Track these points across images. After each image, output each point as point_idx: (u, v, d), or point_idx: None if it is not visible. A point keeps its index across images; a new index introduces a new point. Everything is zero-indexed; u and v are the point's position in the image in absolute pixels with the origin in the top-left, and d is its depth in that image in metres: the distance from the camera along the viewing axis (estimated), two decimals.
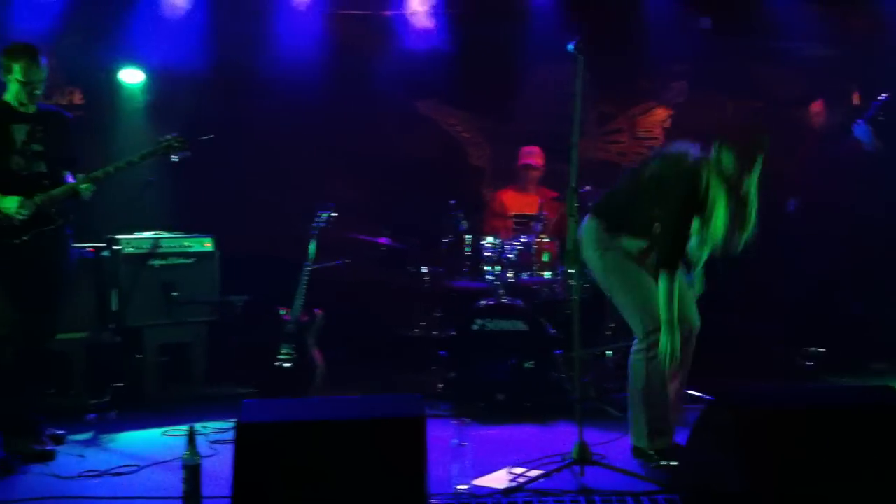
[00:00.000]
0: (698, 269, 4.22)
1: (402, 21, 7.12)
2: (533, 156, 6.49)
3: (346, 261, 6.29)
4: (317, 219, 5.95)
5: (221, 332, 6.20)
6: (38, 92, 4.55)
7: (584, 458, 3.92)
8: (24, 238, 4.50)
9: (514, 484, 3.87)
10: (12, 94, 4.55)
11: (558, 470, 3.96)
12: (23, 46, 4.54)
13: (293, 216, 6.24)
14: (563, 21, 6.77)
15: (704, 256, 4.12)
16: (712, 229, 4.02)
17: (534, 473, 4.00)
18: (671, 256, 4.04)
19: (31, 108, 4.59)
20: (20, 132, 4.55)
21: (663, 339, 4.04)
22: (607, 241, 4.25)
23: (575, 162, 4.04)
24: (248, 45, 6.86)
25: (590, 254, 4.28)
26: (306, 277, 5.83)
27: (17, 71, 4.47)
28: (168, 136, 4.85)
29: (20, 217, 4.46)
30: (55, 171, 4.64)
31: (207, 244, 6.14)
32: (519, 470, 4.09)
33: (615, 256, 4.24)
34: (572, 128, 4.03)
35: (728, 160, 3.97)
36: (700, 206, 4.02)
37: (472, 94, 7.18)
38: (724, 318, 6.33)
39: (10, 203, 4.45)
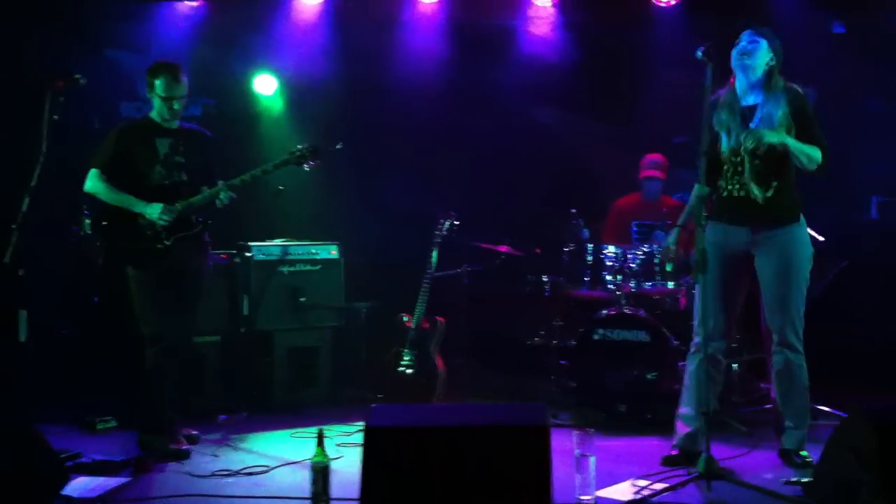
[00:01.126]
0: None
1: (524, 29, 7.12)
2: (653, 166, 6.40)
3: (467, 268, 6.35)
4: (438, 227, 6.03)
5: (346, 338, 6.35)
6: (177, 107, 4.77)
7: (712, 472, 3.84)
8: (167, 243, 4.73)
9: (638, 497, 3.83)
10: (155, 110, 4.82)
11: (684, 484, 3.90)
12: (164, 65, 4.79)
13: (416, 224, 6.33)
14: (688, 26, 6.65)
15: None
16: None
17: (658, 486, 3.95)
18: None
19: (174, 125, 4.85)
20: (163, 145, 4.80)
21: None
22: None
23: (703, 170, 3.98)
24: (375, 54, 7.00)
25: (809, 254, 4.35)
26: (428, 285, 5.91)
27: (158, 87, 4.73)
28: (300, 147, 4.99)
29: (162, 223, 4.69)
30: (195, 183, 4.86)
31: (333, 251, 6.31)
32: (643, 482, 4.05)
33: None
34: (701, 135, 3.97)
35: None
36: None
37: (594, 101, 7.12)
38: (855, 328, 6.16)
39: (154, 210, 4.69)
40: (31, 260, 4.26)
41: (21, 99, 5.39)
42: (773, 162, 4.24)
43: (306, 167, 5.00)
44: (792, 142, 4.18)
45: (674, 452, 4.43)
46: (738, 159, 4.30)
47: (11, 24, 6.20)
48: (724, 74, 4.32)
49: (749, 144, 4.15)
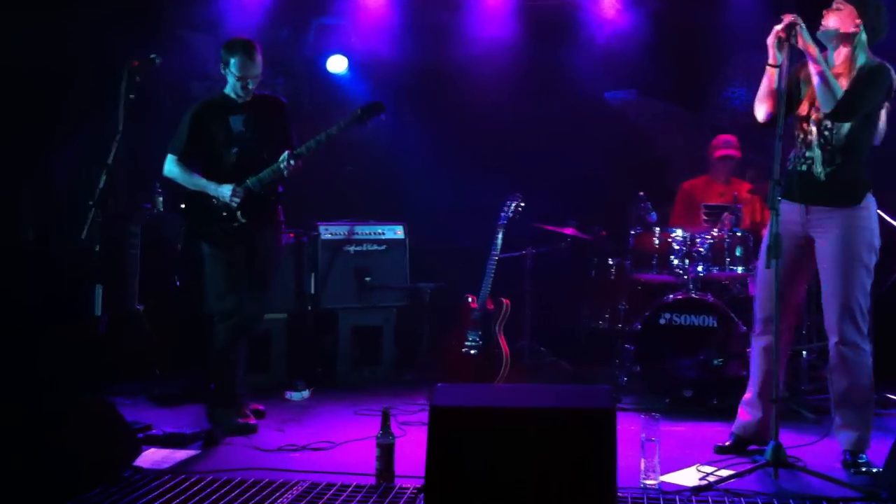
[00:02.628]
0: None
1: (592, 9, 7.05)
2: (728, 146, 6.28)
3: (532, 251, 6.33)
4: (504, 208, 6.01)
5: (410, 318, 6.39)
6: (251, 86, 4.80)
7: (779, 460, 3.78)
8: (242, 221, 4.79)
9: (704, 482, 3.79)
10: (229, 86, 4.82)
11: (751, 471, 3.85)
12: (240, 42, 4.77)
13: (481, 205, 6.32)
14: (764, 4, 6.50)
15: None
16: None
17: (724, 473, 3.90)
18: None
19: (247, 98, 4.84)
20: (237, 123, 4.83)
21: None
22: None
23: (778, 153, 3.90)
24: (443, 35, 7.00)
25: (872, 240, 4.10)
26: (493, 266, 5.90)
27: (233, 65, 4.72)
28: (362, 105, 4.93)
29: (234, 203, 4.76)
30: (271, 156, 4.81)
31: (399, 232, 6.36)
32: (708, 469, 4.00)
33: None
34: (776, 118, 3.89)
35: None
36: None
37: (663, 82, 7.02)
38: None
39: (225, 191, 4.76)
40: (106, 236, 4.36)
41: (99, 79, 5.52)
42: (845, 137, 4.06)
43: (369, 124, 4.94)
44: (826, 68, 3.98)
45: (727, 442, 4.37)
46: (808, 128, 4.14)
47: (88, 5, 6.33)
48: (799, 55, 4.18)
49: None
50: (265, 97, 4.97)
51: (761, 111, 4.24)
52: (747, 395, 4.40)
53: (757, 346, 4.36)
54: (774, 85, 4.09)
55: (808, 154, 4.14)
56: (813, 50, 3.99)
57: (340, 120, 4.89)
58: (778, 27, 4.01)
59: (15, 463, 3.30)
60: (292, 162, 4.73)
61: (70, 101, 6.32)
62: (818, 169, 4.10)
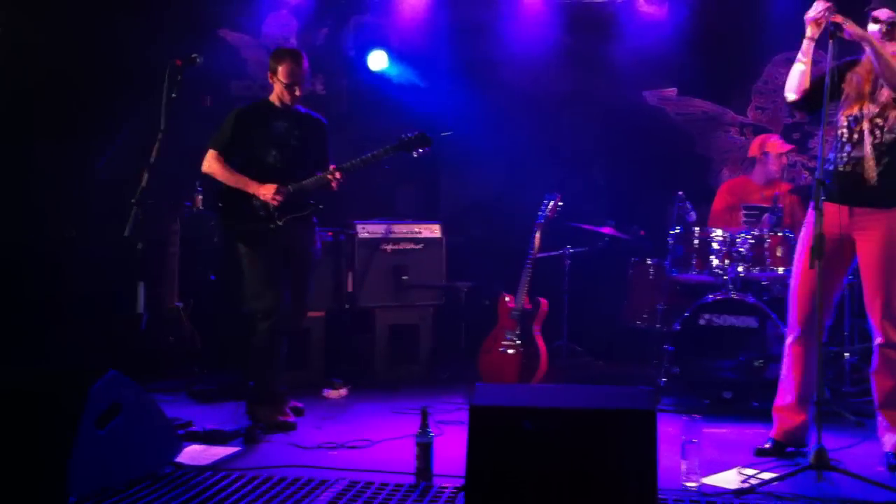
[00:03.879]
0: None
1: (632, 8, 7.01)
2: (770, 145, 6.21)
3: (570, 250, 6.30)
4: (542, 207, 6.00)
5: (447, 316, 6.40)
6: (297, 93, 4.88)
7: (822, 462, 3.73)
8: (279, 223, 4.84)
9: (745, 485, 3.75)
10: (275, 93, 4.91)
11: (793, 474, 3.81)
12: (287, 51, 4.96)
13: (518, 204, 6.32)
14: (805, 6, 6.41)
15: None
16: None
17: (766, 476, 3.86)
18: None
19: (292, 108, 4.93)
20: (279, 128, 4.90)
21: None
22: None
23: (822, 152, 3.85)
24: (482, 30, 6.99)
25: None
26: (530, 266, 5.89)
27: (280, 73, 4.84)
28: (410, 134, 5.00)
29: (275, 204, 4.80)
30: (309, 167, 4.94)
31: (435, 230, 6.36)
32: (750, 471, 3.96)
33: None
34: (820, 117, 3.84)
35: None
36: None
37: (703, 82, 6.97)
38: None
39: (267, 191, 4.80)
40: (148, 234, 4.41)
41: (141, 78, 5.59)
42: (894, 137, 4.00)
43: (415, 154, 5.03)
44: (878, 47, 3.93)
45: (766, 445, 4.32)
46: (857, 128, 4.07)
47: (130, 6, 6.42)
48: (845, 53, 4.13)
49: None
50: (309, 115, 5.07)
51: (793, 91, 4.18)
52: (784, 399, 4.34)
53: (791, 348, 4.30)
54: (809, 60, 4.08)
55: (853, 154, 4.08)
56: (869, 36, 3.94)
57: (388, 144, 4.99)
58: (818, 8, 4.00)
59: (62, 456, 3.34)
60: (338, 175, 4.83)
61: (113, 100, 6.41)
62: (867, 169, 4.04)
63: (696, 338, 5.34)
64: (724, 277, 5.47)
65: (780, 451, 4.27)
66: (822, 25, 4.00)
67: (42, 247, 6.28)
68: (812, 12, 4.04)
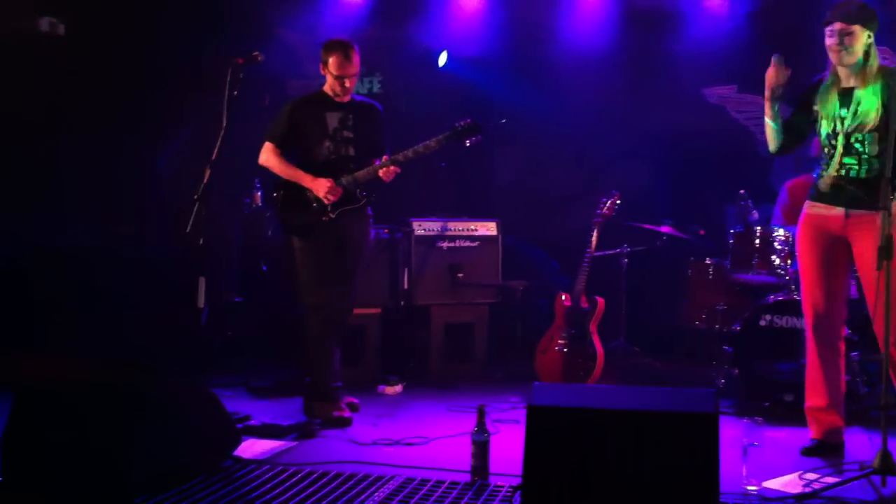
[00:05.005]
0: None
1: (693, 6, 6.91)
2: None
3: (627, 249, 6.24)
4: (600, 205, 5.94)
5: (502, 315, 6.37)
6: (348, 85, 4.88)
7: (887, 467, 3.64)
8: (332, 216, 4.86)
9: (807, 490, 3.68)
10: (328, 85, 4.92)
11: (857, 478, 3.72)
12: (337, 42, 4.89)
13: (575, 202, 6.27)
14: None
15: None
16: None
17: (828, 480, 3.78)
18: None
19: (345, 98, 4.94)
20: (333, 119, 4.92)
21: None
22: None
23: (891, 150, 3.76)
24: (539, 29, 6.96)
25: None
26: (587, 264, 5.84)
27: (331, 65, 4.84)
28: (463, 122, 4.98)
29: (328, 201, 4.82)
30: (364, 156, 4.95)
31: (491, 228, 6.33)
32: (811, 476, 3.89)
33: None
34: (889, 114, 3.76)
35: None
36: None
37: (764, 79, 6.84)
38: None
39: (320, 185, 4.82)
40: (208, 230, 4.47)
41: (203, 77, 5.66)
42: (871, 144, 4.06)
43: (468, 143, 5.00)
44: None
45: (810, 445, 4.30)
46: (835, 143, 4.14)
47: (192, 5, 6.51)
48: None
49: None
50: (363, 102, 5.08)
51: (770, 145, 4.43)
52: (814, 401, 4.33)
53: (810, 352, 4.31)
54: (773, 116, 4.34)
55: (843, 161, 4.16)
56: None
57: (441, 134, 4.95)
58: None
59: (127, 447, 3.40)
60: (391, 167, 4.81)
61: (176, 98, 6.51)
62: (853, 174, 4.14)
63: (757, 339, 5.24)
64: (787, 278, 5.37)
65: (824, 451, 4.25)
66: (776, 91, 4.26)
67: (110, 242, 6.41)
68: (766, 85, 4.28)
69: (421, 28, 7.09)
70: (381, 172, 4.86)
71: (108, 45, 6.47)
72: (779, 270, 5.42)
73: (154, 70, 6.56)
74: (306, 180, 4.85)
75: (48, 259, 6.01)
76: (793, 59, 6.70)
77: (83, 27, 6.45)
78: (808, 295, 4.30)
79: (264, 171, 5.07)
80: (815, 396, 4.34)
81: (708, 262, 6.04)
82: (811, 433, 4.37)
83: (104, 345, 5.68)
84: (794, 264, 5.31)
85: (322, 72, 4.90)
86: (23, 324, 5.85)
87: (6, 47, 6.12)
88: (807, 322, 4.35)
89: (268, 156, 4.94)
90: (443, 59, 7.09)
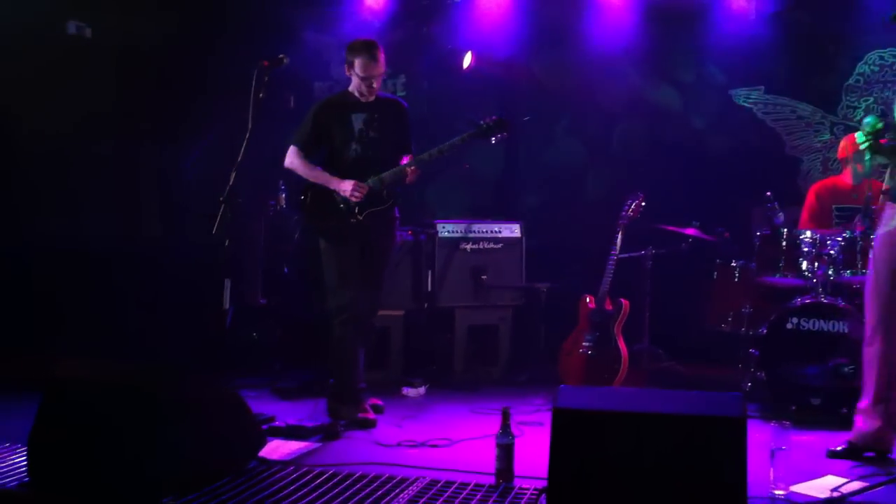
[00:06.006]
0: None
1: (719, 7, 6.87)
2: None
3: (652, 251, 6.21)
4: (625, 207, 5.91)
5: (526, 317, 6.36)
6: (374, 85, 4.87)
7: None
8: (359, 218, 4.86)
9: (836, 494, 3.65)
10: (353, 85, 4.91)
11: (886, 483, 3.69)
12: (362, 43, 4.87)
13: (600, 204, 6.25)
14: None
15: None
16: None
17: (857, 485, 3.74)
18: None
19: (370, 98, 4.93)
20: (358, 121, 4.91)
21: None
22: None
23: None
24: (563, 31, 6.94)
25: None
26: (612, 266, 5.81)
27: (356, 65, 4.82)
28: (486, 120, 4.94)
29: (354, 199, 4.83)
30: (390, 157, 4.93)
31: (515, 230, 6.33)
32: (840, 480, 3.85)
33: None
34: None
35: None
36: None
37: (792, 81, 6.80)
38: None
39: (346, 186, 4.83)
40: (234, 232, 4.49)
41: (229, 79, 5.69)
42: None
43: (493, 140, 4.97)
44: None
45: (840, 448, 4.25)
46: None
47: (217, 7, 6.55)
48: None
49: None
50: (387, 100, 5.05)
51: None
52: (862, 401, 4.26)
53: (870, 352, 4.22)
54: None
55: None
56: None
57: (465, 132, 4.92)
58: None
59: (154, 449, 3.42)
60: (413, 167, 4.81)
61: (203, 101, 6.54)
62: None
63: (784, 342, 5.20)
64: (814, 280, 5.31)
65: (854, 455, 4.19)
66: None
67: (136, 244, 6.46)
68: None
69: (445, 29, 7.09)
70: (406, 173, 4.85)
71: (133, 48, 6.52)
72: (806, 273, 5.36)
73: (179, 73, 6.60)
74: (332, 182, 4.86)
75: (72, 262, 6.06)
76: (818, 60, 6.71)
77: (109, 31, 6.50)
78: (876, 293, 4.17)
79: (289, 173, 5.08)
80: (864, 396, 4.26)
81: (734, 264, 5.99)
82: (850, 435, 4.29)
83: (130, 347, 5.71)
84: (822, 267, 5.28)
85: (347, 73, 4.89)
86: (48, 326, 5.90)
87: (34, 50, 6.18)
88: (867, 320, 4.24)
89: (293, 159, 4.95)
90: (467, 60, 7.08)
